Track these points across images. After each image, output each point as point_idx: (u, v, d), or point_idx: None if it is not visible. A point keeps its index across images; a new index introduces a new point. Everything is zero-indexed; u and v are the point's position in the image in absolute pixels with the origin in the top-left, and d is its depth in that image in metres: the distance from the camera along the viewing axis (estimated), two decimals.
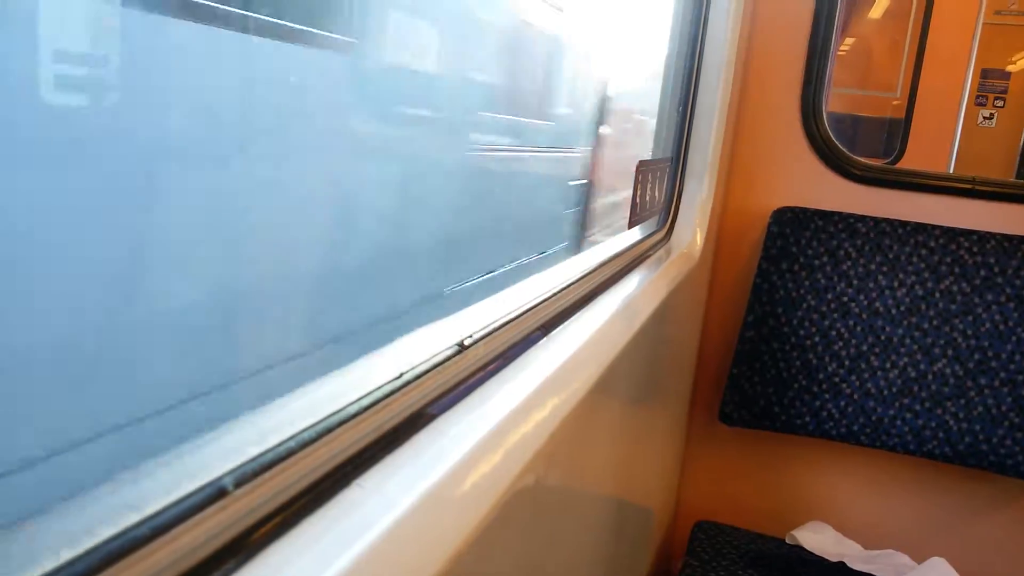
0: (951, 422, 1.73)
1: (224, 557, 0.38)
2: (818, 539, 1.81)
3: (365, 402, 0.51)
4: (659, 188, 1.46)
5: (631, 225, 1.30)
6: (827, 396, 1.78)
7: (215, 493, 0.38)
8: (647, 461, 1.45)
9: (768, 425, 1.82)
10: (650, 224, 1.54)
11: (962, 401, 1.72)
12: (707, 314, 1.95)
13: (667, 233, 1.61)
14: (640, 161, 1.27)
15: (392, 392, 0.54)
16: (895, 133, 3.61)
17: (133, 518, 0.34)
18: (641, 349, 1.12)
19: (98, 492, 0.36)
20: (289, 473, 0.43)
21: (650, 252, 1.44)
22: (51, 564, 0.32)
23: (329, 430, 0.47)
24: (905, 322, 1.75)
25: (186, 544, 0.36)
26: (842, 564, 1.70)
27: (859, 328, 1.77)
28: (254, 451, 0.42)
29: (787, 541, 1.80)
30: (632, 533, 1.42)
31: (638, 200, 1.24)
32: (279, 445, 0.43)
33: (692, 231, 1.64)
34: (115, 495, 0.36)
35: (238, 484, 0.40)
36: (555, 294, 0.92)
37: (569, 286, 0.98)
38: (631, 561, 1.44)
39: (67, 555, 0.32)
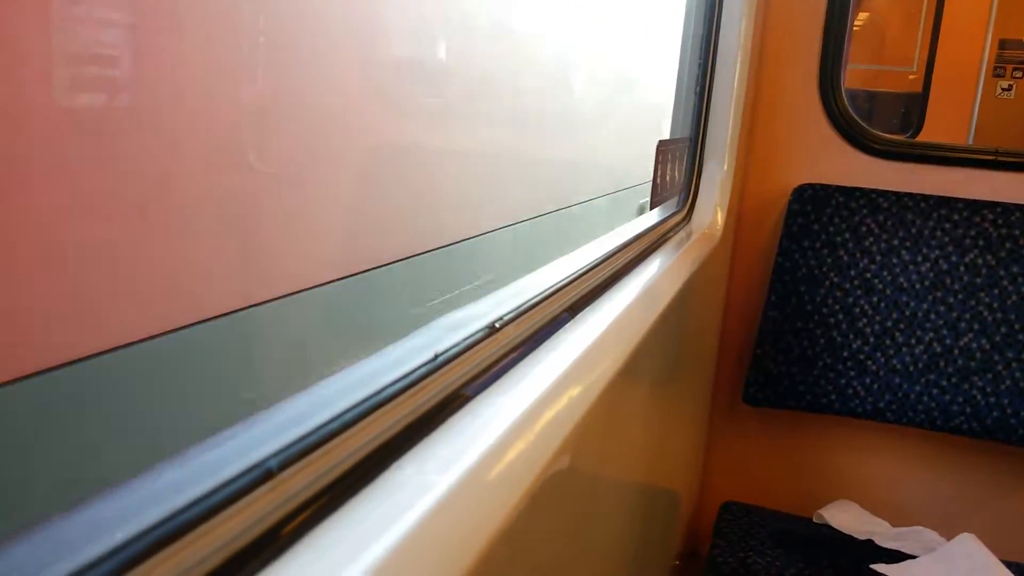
0: (978, 397, 1.71)
1: (271, 539, 0.38)
2: (846, 517, 1.80)
3: (403, 383, 0.52)
4: (678, 168, 1.45)
5: (652, 206, 1.30)
6: (852, 374, 1.76)
7: (262, 475, 0.38)
8: (673, 443, 1.45)
9: (793, 404, 1.81)
10: (670, 205, 1.53)
11: (989, 375, 1.70)
12: (729, 294, 1.94)
13: (687, 214, 1.60)
14: (660, 141, 1.26)
15: (428, 373, 0.54)
16: (912, 107, 3.57)
17: (186, 500, 0.35)
18: (665, 331, 1.12)
19: (148, 475, 0.36)
20: (333, 454, 0.44)
21: (671, 233, 1.43)
22: (105, 546, 0.32)
23: (370, 411, 0.47)
24: (930, 297, 1.73)
25: (237, 525, 0.36)
26: (870, 542, 1.69)
27: (883, 304, 1.75)
28: (298, 433, 0.42)
29: (814, 520, 1.80)
30: (660, 515, 1.42)
31: (658, 181, 1.23)
32: (322, 427, 0.44)
33: (712, 211, 1.63)
34: (171, 476, 0.36)
35: (283, 467, 0.40)
36: (580, 276, 0.92)
37: (593, 268, 0.98)
38: (660, 542, 1.44)
39: (120, 537, 0.33)
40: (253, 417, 0.43)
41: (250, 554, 0.36)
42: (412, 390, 0.52)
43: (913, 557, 1.63)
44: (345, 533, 0.41)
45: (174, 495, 0.35)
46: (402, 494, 0.45)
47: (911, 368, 1.74)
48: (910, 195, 1.75)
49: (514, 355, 0.67)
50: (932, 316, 1.73)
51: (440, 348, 0.57)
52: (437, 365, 0.56)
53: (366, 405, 0.48)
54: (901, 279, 1.74)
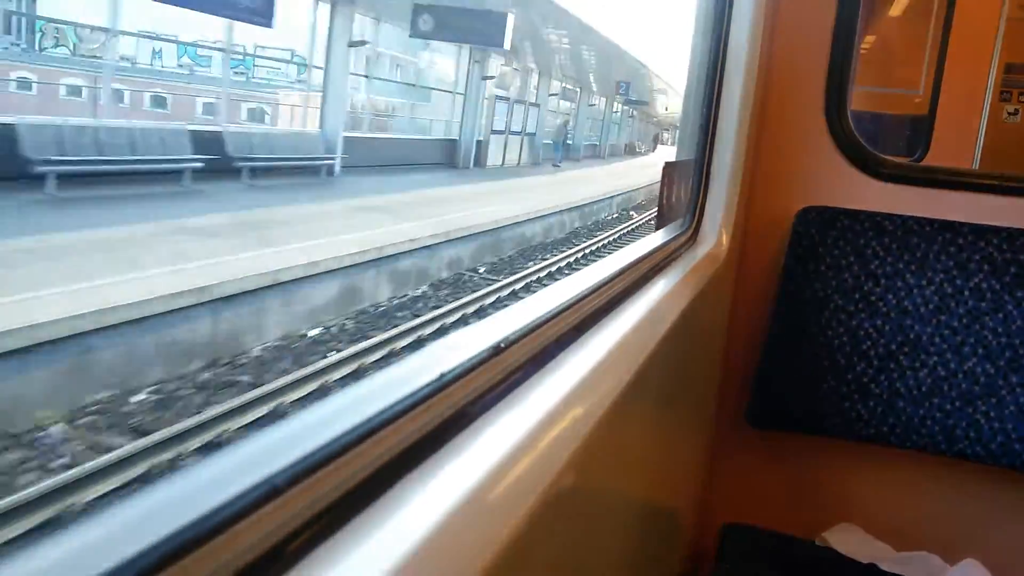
0: (982, 421, 1.70)
1: (276, 556, 0.38)
2: (849, 541, 1.79)
3: (408, 402, 0.52)
4: (685, 189, 1.46)
5: (658, 227, 1.30)
6: (856, 396, 1.76)
7: (268, 492, 0.39)
8: (676, 464, 1.44)
9: (796, 427, 1.80)
10: (675, 225, 1.53)
11: (993, 400, 1.70)
12: (733, 316, 1.94)
13: (692, 235, 1.60)
14: (666, 163, 1.27)
15: (434, 393, 0.55)
16: (918, 131, 3.58)
17: (191, 517, 0.35)
18: (669, 352, 1.12)
19: (154, 492, 0.36)
20: (338, 473, 0.44)
21: (676, 254, 1.43)
22: (110, 564, 0.32)
23: (376, 430, 0.48)
24: (934, 320, 1.73)
25: (242, 542, 0.37)
26: (873, 566, 1.68)
27: (887, 327, 1.75)
28: (304, 451, 0.42)
29: (817, 543, 1.79)
30: (661, 536, 1.41)
31: (665, 202, 1.24)
32: (328, 445, 0.44)
33: (717, 232, 1.63)
34: (176, 493, 0.36)
35: (289, 484, 0.40)
36: (585, 297, 0.93)
37: (599, 289, 0.98)
38: (661, 563, 1.43)
39: (125, 554, 0.33)
40: (259, 434, 0.43)
41: (255, 572, 0.37)
42: (417, 409, 0.53)
43: None
44: (351, 551, 0.41)
45: (179, 512, 0.35)
46: (407, 513, 0.45)
47: (915, 392, 1.73)
48: (915, 219, 1.75)
49: (519, 375, 0.67)
50: (936, 340, 1.72)
51: (445, 368, 0.57)
52: (442, 384, 0.56)
53: (372, 424, 0.48)
54: (906, 302, 1.74)
